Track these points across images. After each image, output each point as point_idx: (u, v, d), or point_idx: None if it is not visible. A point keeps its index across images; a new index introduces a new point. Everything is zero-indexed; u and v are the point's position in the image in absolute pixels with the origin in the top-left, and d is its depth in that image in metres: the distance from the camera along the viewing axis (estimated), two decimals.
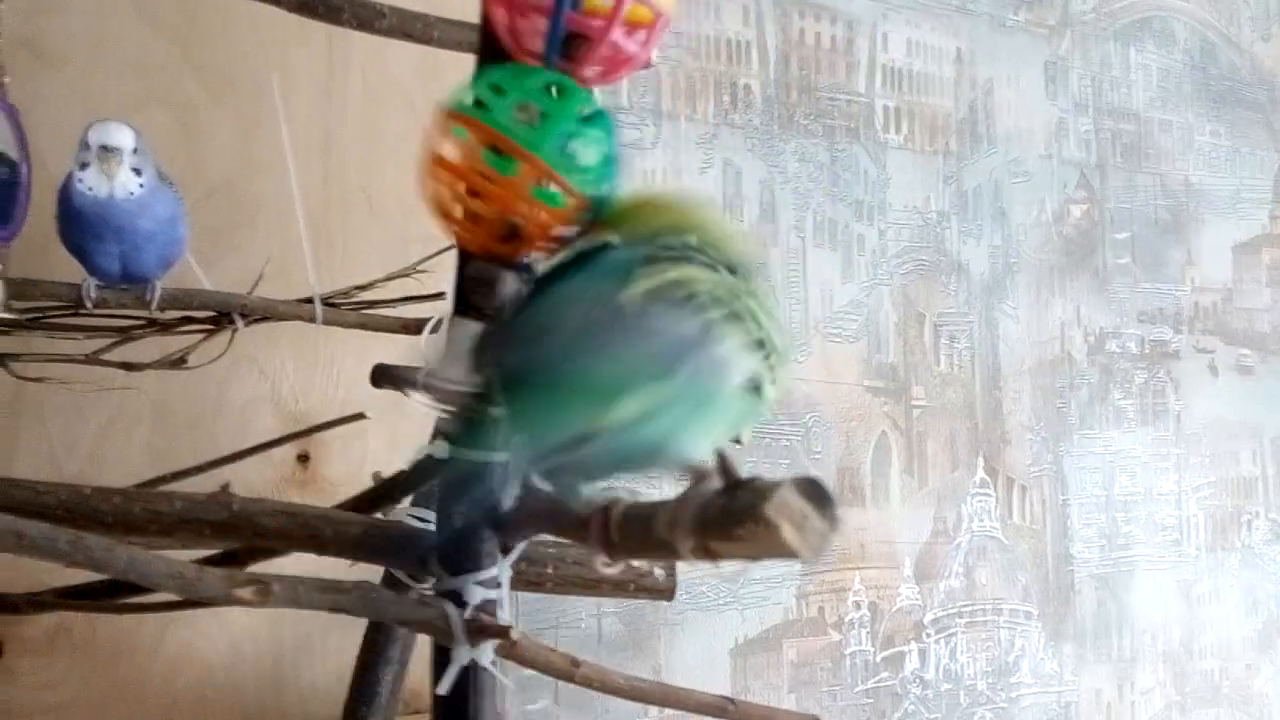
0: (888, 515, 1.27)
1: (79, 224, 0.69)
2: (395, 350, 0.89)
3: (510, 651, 0.43)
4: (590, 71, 0.34)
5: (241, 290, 0.79)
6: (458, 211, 0.34)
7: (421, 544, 0.45)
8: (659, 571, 0.51)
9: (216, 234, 0.91)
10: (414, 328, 0.74)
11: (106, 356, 0.71)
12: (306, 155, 0.93)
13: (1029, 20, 1.41)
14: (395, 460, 0.90)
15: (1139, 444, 1.46)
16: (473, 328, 0.33)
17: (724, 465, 0.22)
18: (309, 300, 0.74)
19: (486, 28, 0.38)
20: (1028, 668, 1.36)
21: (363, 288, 0.76)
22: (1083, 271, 1.43)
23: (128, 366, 0.73)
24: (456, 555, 0.43)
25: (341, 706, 0.96)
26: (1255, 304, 1.58)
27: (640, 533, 0.27)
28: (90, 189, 0.68)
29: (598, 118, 0.34)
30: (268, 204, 0.94)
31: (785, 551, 0.19)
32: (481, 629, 0.41)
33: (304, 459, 0.96)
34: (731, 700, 0.44)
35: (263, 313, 0.72)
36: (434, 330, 0.65)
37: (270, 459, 0.95)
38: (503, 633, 0.41)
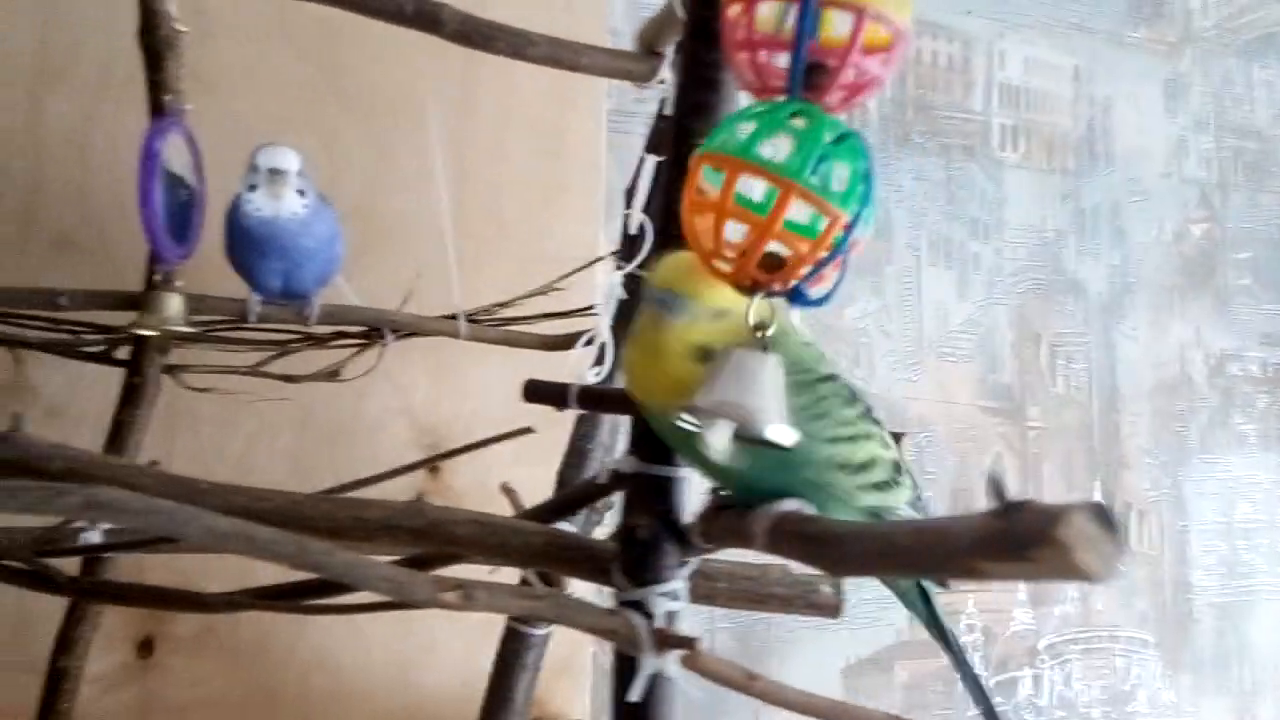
0: None
1: (247, 243, 0.72)
2: (521, 364, 0.92)
3: (692, 663, 0.44)
4: (834, 98, 0.36)
5: (378, 306, 0.82)
6: (719, 249, 0.35)
7: (603, 555, 0.46)
8: (826, 588, 0.52)
9: (354, 252, 0.95)
10: (554, 343, 0.76)
11: (265, 369, 0.74)
12: (439, 177, 0.96)
13: (1148, 37, 1.38)
14: (520, 472, 0.92)
15: (1261, 469, 1.41)
16: (759, 360, 0.35)
17: (997, 488, 0.23)
18: (453, 316, 0.77)
19: (694, 71, 0.39)
20: (1144, 697, 1.32)
21: (504, 305, 0.78)
22: (1203, 292, 1.40)
23: (287, 379, 0.76)
24: (640, 567, 0.44)
25: (462, 711, 0.98)
26: None
27: (870, 545, 0.28)
28: (258, 209, 0.71)
29: (847, 140, 0.35)
30: (403, 224, 0.97)
31: (1076, 574, 0.20)
32: (668, 639, 0.43)
33: (434, 469, 0.99)
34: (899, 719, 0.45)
35: (411, 328, 0.75)
36: (586, 345, 0.66)
37: (395, 465, 0.98)
38: (689, 644, 0.42)
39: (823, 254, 0.35)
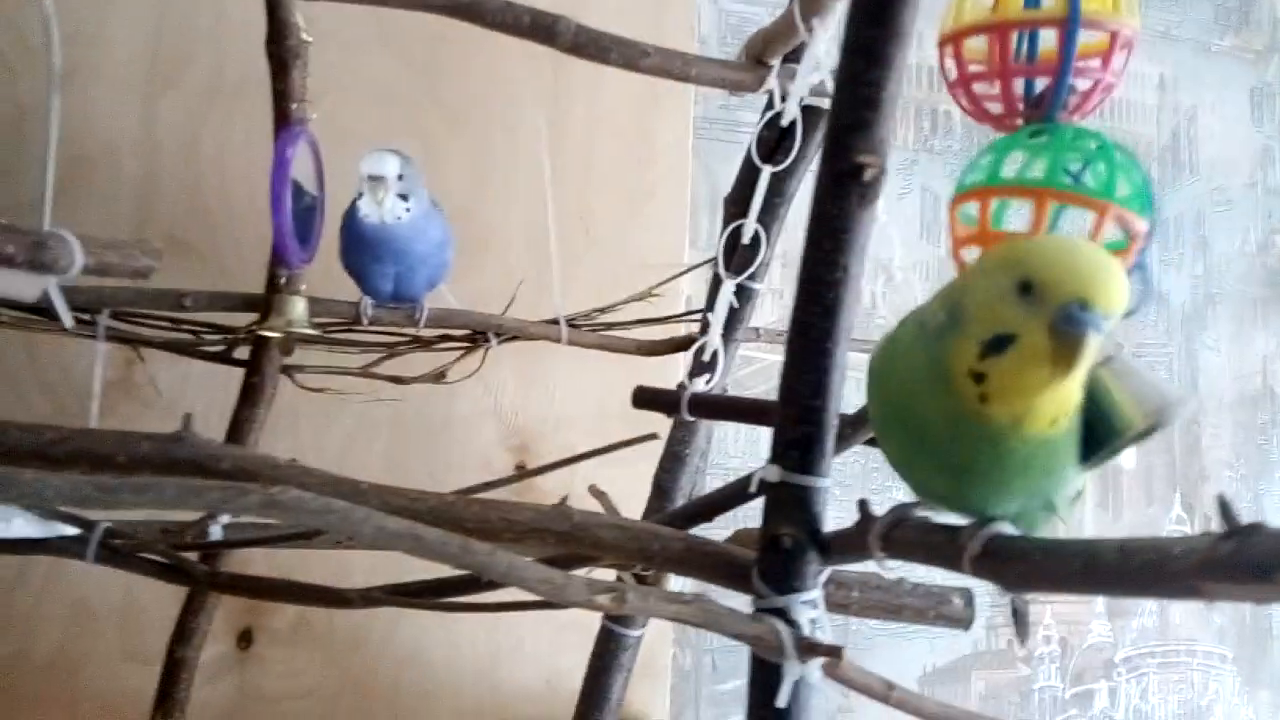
0: None
1: (359, 247, 0.74)
2: (604, 367, 0.93)
3: (834, 671, 0.44)
4: (1079, 114, 0.36)
5: (480, 311, 0.83)
6: None
7: (742, 562, 0.47)
8: (958, 600, 0.52)
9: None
10: (652, 349, 0.77)
11: (375, 370, 0.76)
12: (531, 184, 0.98)
13: (1235, 45, 1.36)
14: (603, 473, 0.93)
15: None
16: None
17: (1226, 510, 0.23)
18: (554, 321, 0.78)
19: (853, 89, 0.39)
20: (1221, 713, 1.31)
21: (603, 310, 0.79)
22: None
23: (395, 380, 0.78)
24: (782, 575, 0.45)
25: (547, 708, 1.00)
26: None
27: (1072, 564, 0.29)
28: (366, 215, 0.73)
29: (1103, 150, 0.36)
30: (495, 229, 0.99)
31: None
32: (812, 647, 0.43)
33: (520, 468, 1.01)
34: None
35: (515, 332, 0.76)
36: (697, 351, 0.67)
37: (490, 467, 1.00)
38: (834, 652, 0.43)
39: (1133, 262, 0.35)
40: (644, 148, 1.04)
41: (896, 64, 0.39)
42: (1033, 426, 0.36)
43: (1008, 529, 0.36)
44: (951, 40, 0.38)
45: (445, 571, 0.53)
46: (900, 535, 0.40)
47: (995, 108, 0.36)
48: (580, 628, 0.84)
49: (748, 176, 0.71)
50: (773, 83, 0.70)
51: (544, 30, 0.68)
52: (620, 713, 1.02)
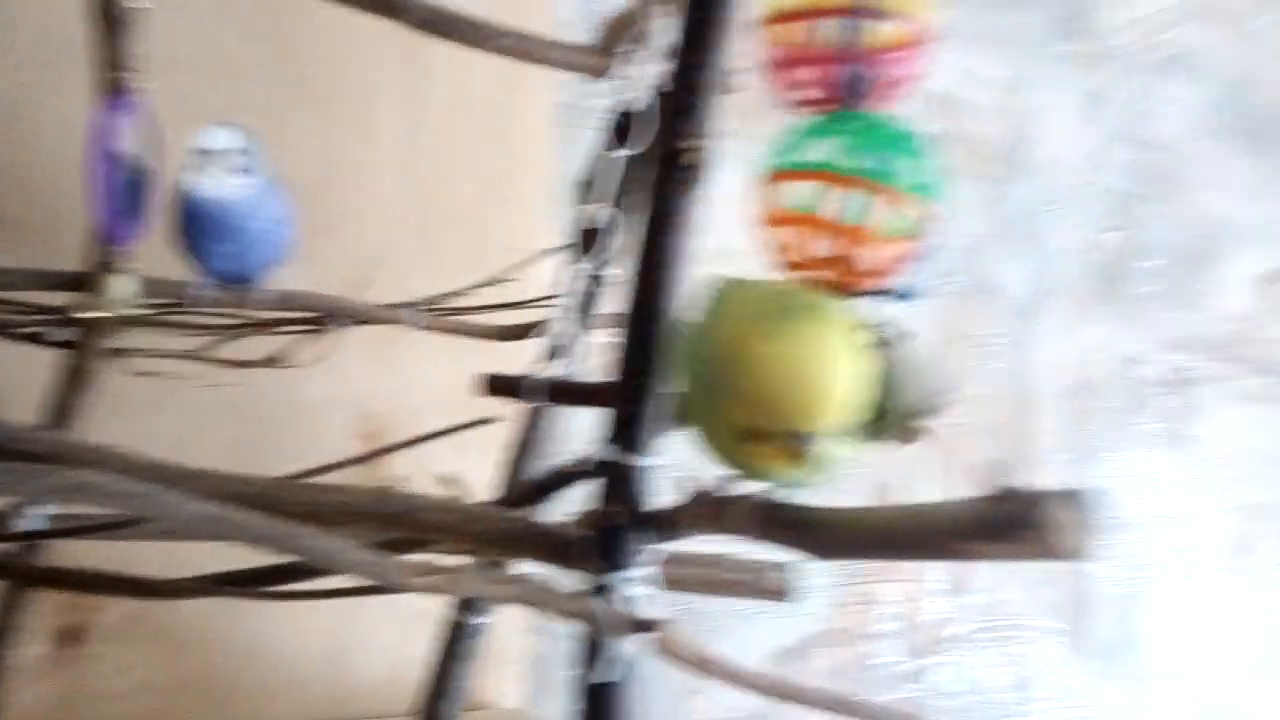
0: None
1: (192, 224, 0.71)
2: (460, 353, 0.92)
3: (660, 645, 0.45)
4: (881, 101, 0.37)
5: (324, 292, 0.81)
6: (813, 261, 0.36)
7: (573, 541, 0.48)
8: (775, 573, 0.54)
9: (300, 238, 0.94)
10: (511, 334, 0.76)
11: (210, 355, 0.73)
12: (386, 164, 0.96)
13: (1071, 51, 1.45)
14: (458, 460, 0.92)
15: (1162, 467, 1.49)
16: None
17: (994, 476, 0.25)
18: (406, 306, 0.77)
19: (686, 77, 0.40)
20: (1049, 683, 1.39)
21: (457, 294, 0.78)
22: (1114, 298, 1.47)
23: (231, 364, 0.75)
24: (611, 553, 0.46)
25: (395, 698, 0.98)
26: (1277, 334, 1.62)
27: (856, 530, 0.30)
28: (199, 190, 0.70)
29: (909, 138, 0.37)
30: (348, 210, 0.96)
31: (1054, 554, 0.22)
32: (635, 623, 0.44)
33: (369, 457, 0.99)
34: (856, 702, 0.47)
35: (362, 317, 0.75)
36: (540, 336, 0.67)
37: (340, 455, 0.97)
38: (657, 627, 0.44)
39: (911, 250, 0.36)
40: (505, 132, 1.03)
41: (722, 49, 0.40)
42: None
43: (781, 495, 0.37)
44: (760, 25, 0.39)
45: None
46: (711, 510, 0.41)
47: (803, 94, 0.38)
48: (427, 617, 0.84)
49: (598, 162, 0.71)
50: (624, 68, 0.71)
51: (390, 6, 0.66)
52: (471, 701, 1.02)
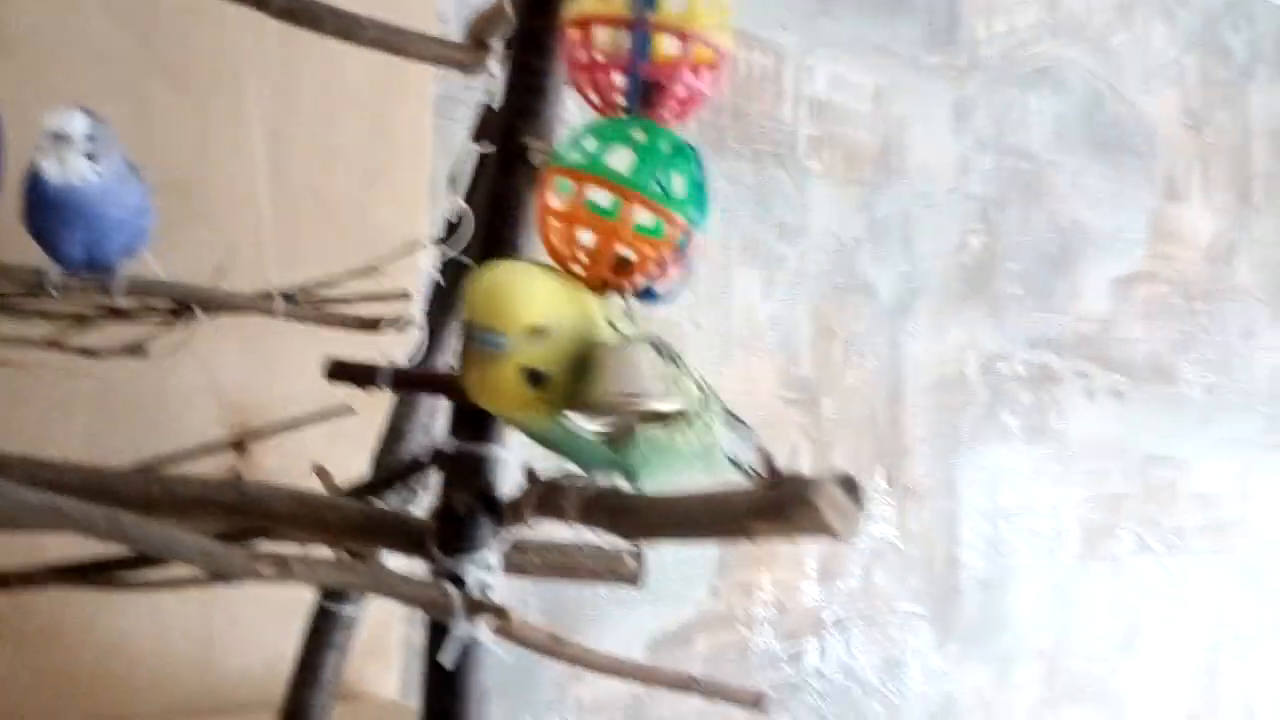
0: None
1: (42, 211, 0.69)
2: (335, 345, 0.92)
3: (504, 629, 0.47)
4: (668, 112, 0.39)
5: (189, 282, 0.80)
6: (573, 253, 0.38)
7: (419, 529, 0.49)
8: (629, 559, 0.56)
9: (165, 226, 0.91)
10: (372, 325, 0.76)
11: (64, 342, 0.72)
12: (257, 152, 0.95)
13: (941, 62, 1.51)
14: (332, 452, 0.92)
15: (1023, 460, 1.57)
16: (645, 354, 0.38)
17: (766, 460, 0.27)
18: (268, 295, 0.76)
19: (523, 77, 0.42)
20: (916, 664, 1.45)
21: (322, 285, 0.78)
22: (979, 299, 1.54)
23: (88, 353, 0.74)
24: (456, 540, 0.47)
25: (267, 693, 0.98)
26: (1130, 335, 1.72)
27: (665, 514, 0.32)
28: (49, 176, 0.69)
29: (682, 151, 0.39)
30: (218, 199, 0.95)
31: (828, 532, 0.24)
32: (481, 607, 0.46)
33: (243, 450, 0.97)
34: (695, 679, 0.49)
35: (223, 305, 0.74)
36: (398, 328, 0.68)
37: (210, 448, 0.96)
38: (501, 612, 0.45)
39: (665, 255, 0.38)
40: (382, 124, 1.03)
41: (560, 54, 0.42)
42: (510, 414, 0.42)
43: (603, 482, 0.39)
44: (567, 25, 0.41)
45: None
46: (543, 497, 0.43)
47: (592, 97, 0.40)
48: (300, 609, 0.83)
49: (464, 155, 0.72)
50: (493, 65, 0.72)
51: None
52: (347, 692, 1.01)
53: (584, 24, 0.38)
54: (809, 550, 1.36)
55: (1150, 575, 1.72)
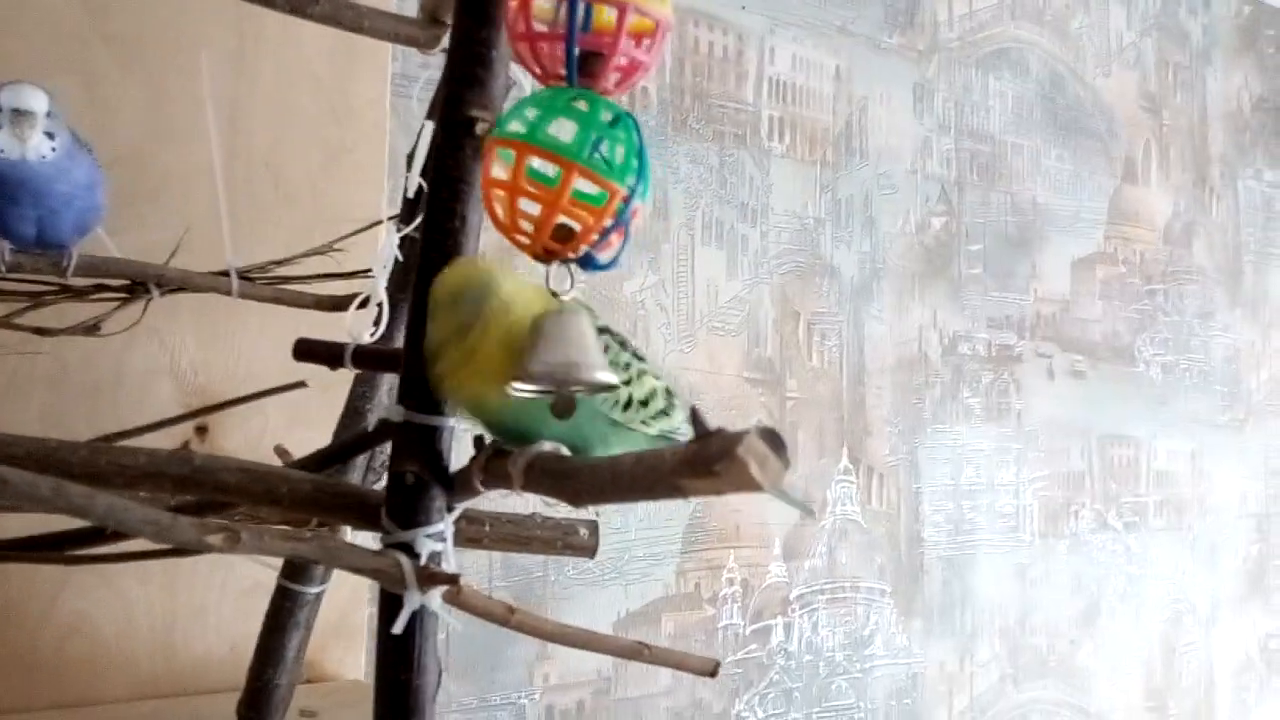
0: (761, 498, 1.36)
1: None
2: (296, 325, 0.91)
3: (455, 598, 0.47)
4: (609, 82, 0.39)
5: (145, 260, 0.79)
6: (516, 223, 0.39)
7: (371, 501, 0.49)
8: (583, 530, 0.56)
9: (120, 204, 0.91)
10: (330, 304, 0.76)
11: (17, 321, 0.71)
12: (213, 129, 0.94)
13: (901, 44, 1.52)
14: (294, 434, 0.92)
15: (984, 439, 1.59)
16: (582, 322, 0.39)
17: (695, 417, 0.27)
18: (225, 273, 0.76)
19: (466, 47, 0.42)
20: (880, 641, 1.47)
21: (280, 263, 0.78)
22: (940, 279, 1.56)
23: (40, 331, 0.73)
24: (407, 511, 0.47)
25: (230, 675, 0.97)
26: (1089, 315, 1.75)
27: (602, 475, 0.33)
28: (3, 152, 0.68)
29: (622, 120, 0.39)
30: (173, 176, 0.94)
31: (752, 485, 0.25)
32: (432, 577, 0.46)
33: (202, 430, 0.97)
34: (646, 645, 0.50)
35: (179, 284, 0.74)
36: (360, 307, 0.68)
37: (169, 430, 0.95)
38: (452, 580, 0.46)
39: (606, 223, 0.39)
40: (340, 102, 1.02)
41: (503, 23, 0.42)
42: (488, 396, 0.43)
43: (549, 448, 0.40)
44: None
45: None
46: (487, 466, 0.43)
47: (533, 65, 0.40)
48: (265, 592, 0.83)
49: (421, 132, 0.72)
50: (447, 41, 0.72)
51: None
52: (312, 674, 1.01)
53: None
54: (775, 529, 1.37)
55: (1110, 552, 1.75)
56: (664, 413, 0.48)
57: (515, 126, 0.38)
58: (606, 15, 0.40)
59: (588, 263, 0.40)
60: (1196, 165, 1.94)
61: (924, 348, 1.53)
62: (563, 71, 0.38)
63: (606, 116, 0.39)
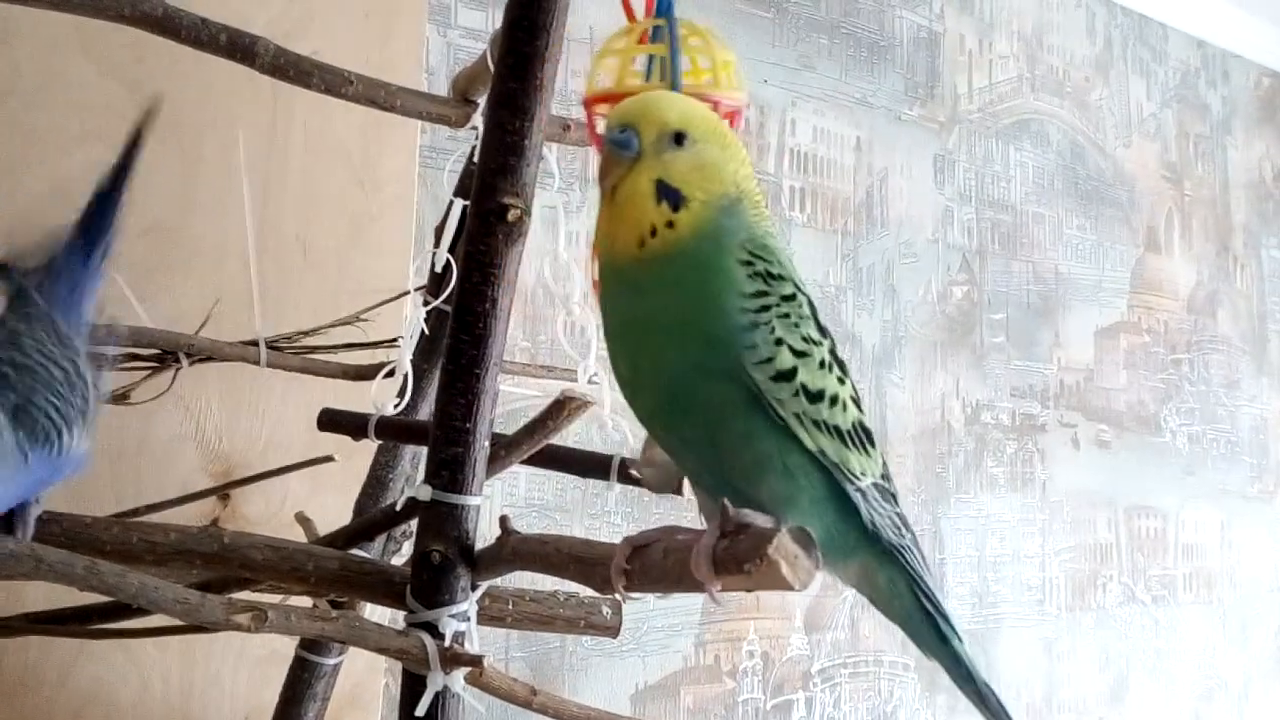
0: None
1: None
2: (321, 392, 0.92)
3: (478, 680, 0.47)
4: None
5: (174, 330, 0.80)
6: None
7: (397, 579, 0.49)
8: (606, 609, 0.56)
9: (150, 272, 0.92)
10: (355, 374, 0.77)
11: None
12: (245, 202, 0.95)
13: (921, 115, 1.54)
14: (316, 500, 0.92)
15: (1008, 509, 1.58)
16: None
17: (725, 516, 0.27)
18: (253, 343, 0.77)
19: (499, 137, 0.43)
20: (904, 717, 1.44)
21: (307, 333, 0.79)
22: (962, 348, 1.55)
23: None
24: (432, 590, 0.47)
25: None
26: (1113, 384, 1.73)
27: (662, 569, 0.32)
28: None
29: None
30: (203, 247, 0.96)
31: (782, 585, 0.25)
32: (456, 658, 0.45)
33: (225, 497, 0.97)
34: None
35: (208, 353, 0.75)
36: (386, 377, 0.68)
37: (185, 491, 0.95)
38: (475, 662, 0.45)
39: None
40: (368, 174, 1.04)
41: (537, 115, 0.43)
42: (626, 259, 0.39)
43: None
44: (588, 103, 0.42)
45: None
46: (513, 548, 0.43)
47: None
48: (281, 660, 0.82)
49: (450, 208, 0.73)
50: (477, 120, 0.73)
51: (242, 50, 0.67)
52: None
53: (615, 98, 0.40)
54: (796, 601, 1.35)
55: (1138, 625, 1.72)
56: (845, 438, 0.39)
57: None
58: None
59: None
60: (1219, 234, 1.93)
61: (947, 416, 1.52)
62: None
63: None
